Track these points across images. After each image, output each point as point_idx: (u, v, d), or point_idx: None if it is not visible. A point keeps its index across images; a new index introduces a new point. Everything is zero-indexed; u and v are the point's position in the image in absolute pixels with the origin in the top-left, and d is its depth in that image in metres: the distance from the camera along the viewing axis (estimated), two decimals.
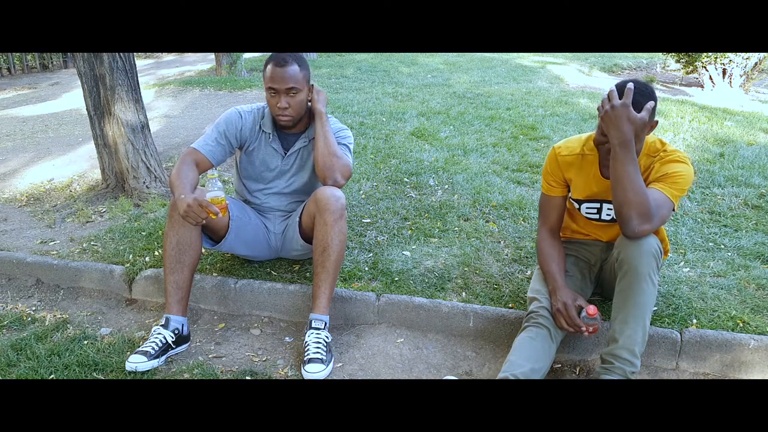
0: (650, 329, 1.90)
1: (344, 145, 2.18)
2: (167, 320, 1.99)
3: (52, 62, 10.34)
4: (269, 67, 2.05)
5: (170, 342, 1.96)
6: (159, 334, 1.95)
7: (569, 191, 1.96)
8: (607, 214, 1.91)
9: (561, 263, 1.88)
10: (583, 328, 1.73)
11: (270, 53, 2.10)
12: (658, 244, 1.68)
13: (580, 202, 1.93)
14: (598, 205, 1.91)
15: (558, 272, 1.84)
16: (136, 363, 1.86)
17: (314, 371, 1.83)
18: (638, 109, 1.64)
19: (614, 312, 1.71)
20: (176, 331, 1.98)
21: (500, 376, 1.66)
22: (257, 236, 2.25)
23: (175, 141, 4.35)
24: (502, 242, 2.57)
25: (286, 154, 2.22)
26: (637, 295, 1.65)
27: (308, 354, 1.88)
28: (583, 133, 2.00)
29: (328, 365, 1.88)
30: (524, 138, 4.14)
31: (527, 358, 1.69)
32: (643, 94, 1.66)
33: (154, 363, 1.90)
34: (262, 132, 2.21)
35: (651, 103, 1.66)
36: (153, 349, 1.91)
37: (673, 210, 1.70)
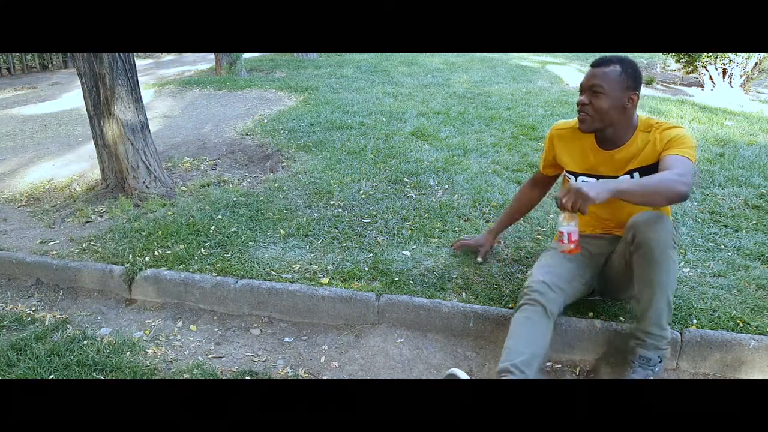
0: None
1: None
2: None
3: (51, 62, 10.34)
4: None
5: None
6: None
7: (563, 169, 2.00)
8: None
9: (514, 213, 2.27)
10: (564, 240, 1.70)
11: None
12: (671, 222, 1.70)
13: (576, 175, 1.93)
14: (594, 180, 1.88)
15: (505, 216, 2.29)
16: None
17: None
18: (607, 65, 1.79)
19: (638, 290, 1.72)
20: None
21: (501, 365, 1.66)
22: None
23: (174, 141, 4.35)
24: (502, 242, 2.57)
25: None
26: (660, 274, 1.66)
27: None
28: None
29: None
30: (524, 138, 4.14)
31: (526, 343, 1.69)
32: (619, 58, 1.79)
33: None
34: None
35: (616, 69, 1.76)
36: None
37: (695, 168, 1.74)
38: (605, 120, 1.79)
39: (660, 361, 1.73)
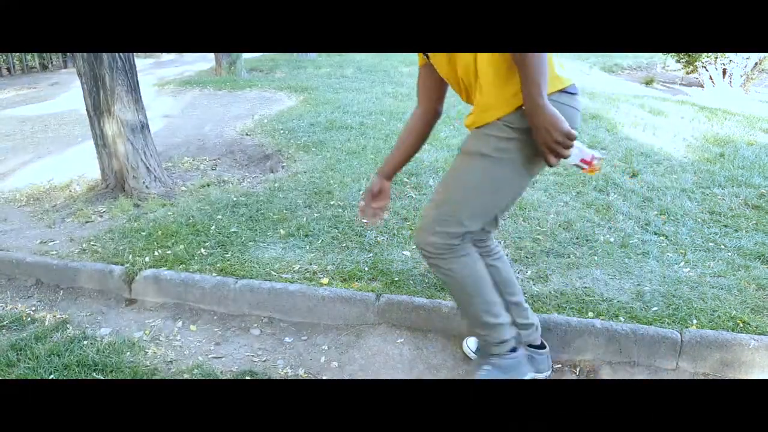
0: (650, 329, 1.91)
1: None
2: None
3: (51, 62, 10.34)
4: None
5: None
6: None
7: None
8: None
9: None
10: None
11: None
12: (444, 229, 1.51)
13: None
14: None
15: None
16: None
17: None
18: None
19: None
20: None
21: (507, 334, 1.66)
22: None
23: (174, 141, 4.35)
24: (502, 242, 2.56)
25: None
26: (452, 293, 1.62)
27: None
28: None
29: None
30: None
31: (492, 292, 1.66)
32: None
33: None
34: None
35: None
36: None
37: None
38: None
39: (493, 367, 1.67)
